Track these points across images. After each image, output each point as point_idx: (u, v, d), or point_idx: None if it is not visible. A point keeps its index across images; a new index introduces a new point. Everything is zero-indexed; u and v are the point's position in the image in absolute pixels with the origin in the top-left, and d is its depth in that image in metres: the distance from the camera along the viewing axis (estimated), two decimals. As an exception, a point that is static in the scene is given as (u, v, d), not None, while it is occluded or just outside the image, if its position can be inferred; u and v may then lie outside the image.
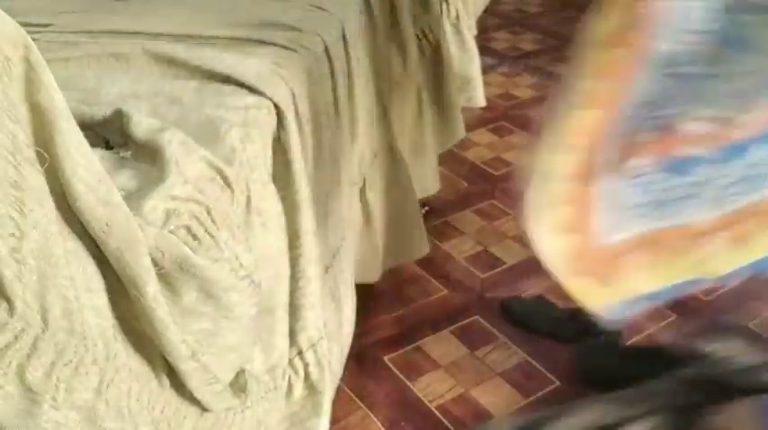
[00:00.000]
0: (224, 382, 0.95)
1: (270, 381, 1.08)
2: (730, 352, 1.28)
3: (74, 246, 0.73)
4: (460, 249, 1.99)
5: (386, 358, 1.65)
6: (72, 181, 0.69)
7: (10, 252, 0.64)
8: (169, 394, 0.88)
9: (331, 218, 1.33)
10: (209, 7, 1.37)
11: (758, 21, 1.00)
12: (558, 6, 3.67)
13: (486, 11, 3.05)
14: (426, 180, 1.94)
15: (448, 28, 2.13)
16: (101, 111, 0.97)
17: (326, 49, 1.31)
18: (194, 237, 0.85)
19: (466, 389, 1.57)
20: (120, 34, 1.24)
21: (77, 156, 0.70)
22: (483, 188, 2.26)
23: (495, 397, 1.55)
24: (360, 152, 1.50)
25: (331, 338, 1.24)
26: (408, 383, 1.59)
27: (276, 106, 1.10)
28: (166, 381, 0.87)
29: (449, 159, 2.29)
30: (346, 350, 1.42)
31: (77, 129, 0.71)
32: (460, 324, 1.74)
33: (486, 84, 2.50)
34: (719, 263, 1.17)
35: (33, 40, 0.66)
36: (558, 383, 1.58)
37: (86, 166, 0.71)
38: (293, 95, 1.14)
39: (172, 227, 0.82)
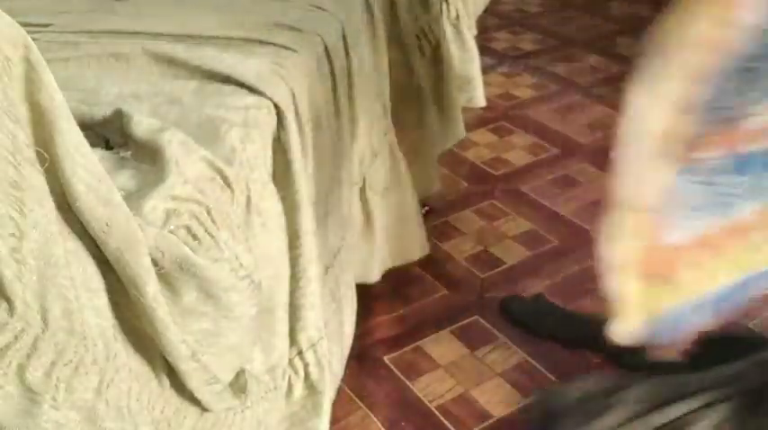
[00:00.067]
0: (224, 382, 0.95)
1: (270, 381, 1.08)
2: None
3: (74, 246, 0.73)
4: (460, 249, 1.99)
5: (386, 358, 1.65)
6: (72, 181, 0.69)
7: (10, 252, 0.64)
8: (169, 394, 0.88)
9: (331, 218, 1.33)
10: (209, 7, 1.37)
11: None
12: (558, 6, 3.67)
13: (486, 11, 3.05)
14: (426, 180, 1.94)
15: (448, 28, 2.13)
16: (101, 111, 0.97)
17: (326, 49, 1.31)
18: (194, 237, 0.85)
19: (466, 389, 1.57)
20: (120, 34, 1.24)
21: (77, 156, 0.70)
22: (483, 188, 2.26)
23: (495, 397, 1.55)
24: (360, 152, 1.50)
25: (331, 338, 1.24)
26: (408, 383, 1.59)
27: (276, 106, 1.10)
28: (166, 381, 0.87)
29: (449, 159, 2.29)
30: (347, 350, 1.42)
31: (77, 129, 0.71)
32: (460, 324, 1.74)
33: (486, 84, 2.49)
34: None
35: (33, 40, 0.66)
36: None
37: (86, 166, 0.71)
38: (293, 95, 1.14)
39: (172, 227, 0.82)
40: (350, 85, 1.41)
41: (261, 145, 1.05)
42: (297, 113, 1.14)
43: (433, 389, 1.57)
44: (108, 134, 0.95)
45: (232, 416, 0.99)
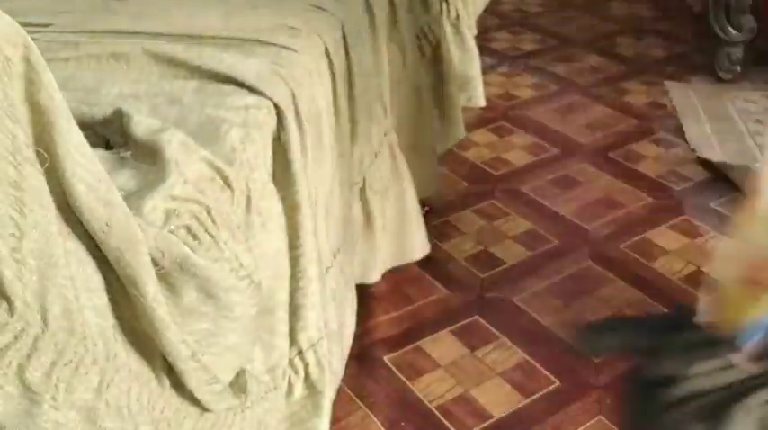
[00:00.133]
0: (224, 382, 0.95)
1: (270, 381, 1.08)
2: None
3: (74, 246, 0.73)
4: (460, 249, 1.99)
5: (386, 358, 1.65)
6: (72, 181, 0.69)
7: (10, 252, 0.65)
8: (169, 394, 0.88)
9: (331, 218, 1.33)
10: (209, 7, 1.37)
11: None
12: (558, 6, 3.67)
13: (486, 11, 3.05)
14: (426, 180, 1.94)
15: (448, 28, 2.13)
16: (101, 111, 0.97)
17: (326, 49, 1.31)
18: (194, 237, 0.85)
19: (466, 389, 1.57)
20: (120, 34, 1.24)
21: (77, 156, 0.70)
22: (483, 188, 2.26)
23: (495, 397, 1.55)
24: (360, 152, 1.50)
25: (331, 338, 1.24)
26: (408, 383, 1.59)
27: (276, 106, 1.10)
28: (166, 381, 0.87)
29: (449, 159, 2.29)
30: (347, 350, 1.42)
31: (77, 129, 0.71)
32: (460, 324, 1.74)
33: (486, 84, 2.50)
34: None
35: (33, 40, 0.66)
36: (558, 383, 1.58)
37: (86, 166, 0.71)
38: (293, 95, 1.14)
39: (172, 227, 0.82)
40: (350, 85, 1.41)
41: (261, 145, 1.05)
42: (297, 113, 1.14)
43: (433, 389, 1.57)
44: (108, 134, 0.95)
45: (232, 416, 0.99)
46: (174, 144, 0.88)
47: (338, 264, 1.36)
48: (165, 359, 0.85)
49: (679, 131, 2.51)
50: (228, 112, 1.04)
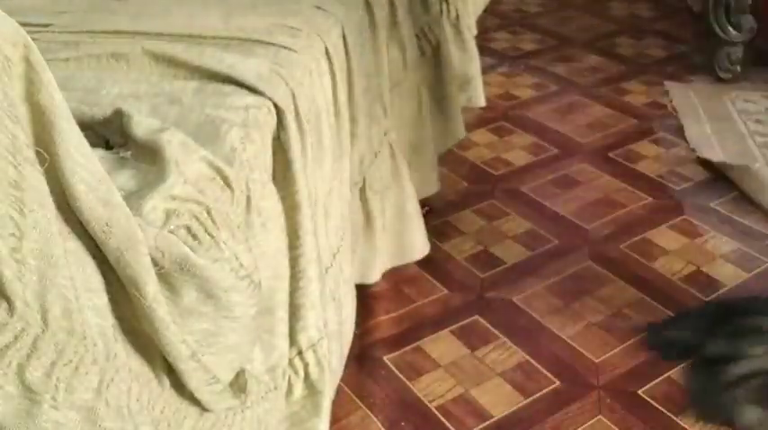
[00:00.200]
0: (224, 382, 0.95)
1: (270, 381, 1.08)
2: None
3: (74, 246, 0.73)
4: (460, 249, 2.00)
5: (386, 358, 1.65)
6: (72, 181, 0.69)
7: (10, 252, 0.65)
8: (169, 394, 0.88)
9: (331, 218, 1.33)
10: (209, 7, 1.37)
11: None
12: (558, 6, 3.67)
13: (486, 11, 3.05)
14: (426, 180, 1.94)
15: (448, 28, 2.13)
16: (101, 111, 0.97)
17: (326, 49, 1.31)
18: (194, 237, 0.85)
19: (466, 389, 1.57)
20: (120, 34, 1.24)
21: (77, 156, 0.70)
22: (483, 188, 2.26)
23: (495, 397, 1.55)
24: (360, 152, 1.50)
25: (331, 338, 1.24)
26: (408, 383, 1.59)
27: (276, 106, 1.10)
28: (166, 381, 0.87)
29: (449, 159, 2.29)
30: (346, 350, 1.42)
31: (77, 129, 0.71)
32: (460, 324, 1.74)
33: (486, 84, 2.50)
34: None
35: (33, 40, 0.66)
36: (558, 383, 1.58)
37: (86, 166, 0.71)
38: (293, 95, 1.14)
39: (172, 227, 0.82)
40: (350, 85, 1.41)
41: (261, 145, 1.05)
42: (297, 113, 1.14)
43: (433, 389, 1.57)
44: (108, 134, 0.95)
45: (232, 416, 0.99)
46: (174, 144, 0.88)
47: (338, 263, 1.36)
48: (165, 359, 0.84)
49: (679, 131, 2.51)
50: (228, 112, 1.04)
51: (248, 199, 0.99)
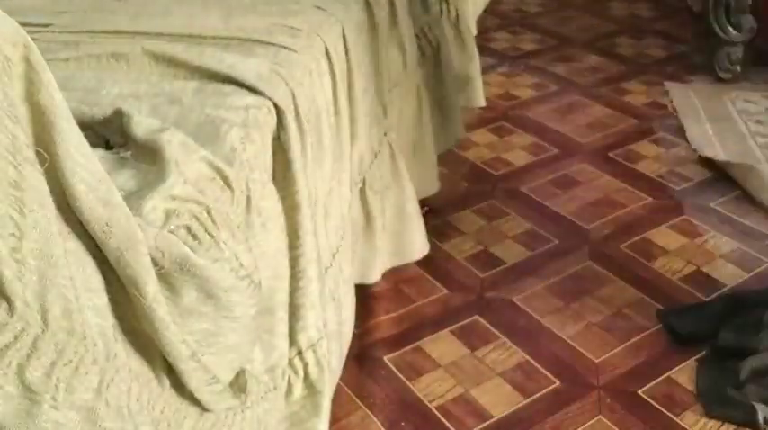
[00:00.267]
0: (224, 382, 0.95)
1: (270, 381, 1.08)
2: None
3: (74, 246, 0.73)
4: (460, 249, 1.99)
5: (386, 358, 1.65)
6: (72, 181, 0.69)
7: (10, 252, 0.65)
8: (169, 394, 0.88)
9: (331, 218, 1.33)
10: (209, 7, 1.37)
11: None
12: (558, 6, 3.67)
13: (486, 11, 3.05)
14: (426, 180, 1.94)
15: (448, 28, 2.13)
16: (101, 111, 0.97)
17: (326, 49, 1.31)
18: (194, 237, 0.85)
19: (466, 389, 1.57)
20: (120, 34, 1.24)
21: (77, 156, 0.70)
22: (483, 188, 2.26)
23: (495, 397, 1.55)
24: (360, 152, 1.50)
25: (331, 338, 1.24)
26: (408, 383, 1.59)
27: (276, 106, 1.10)
28: (166, 381, 0.87)
29: (449, 159, 2.29)
30: (346, 350, 1.42)
31: (77, 129, 0.71)
32: (460, 324, 1.74)
33: (486, 84, 2.50)
34: None
35: (33, 40, 0.66)
36: (558, 383, 1.58)
37: (86, 166, 0.71)
38: (293, 95, 1.14)
39: (172, 227, 0.82)
40: (350, 85, 1.41)
41: (261, 145, 1.05)
42: (297, 113, 1.14)
43: (432, 389, 1.57)
44: (108, 134, 0.95)
45: (232, 416, 0.99)
46: (174, 144, 0.88)
47: (338, 263, 1.36)
48: (165, 359, 0.85)
49: (679, 131, 2.51)
50: (228, 112, 1.04)
51: (248, 199, 0.99)
